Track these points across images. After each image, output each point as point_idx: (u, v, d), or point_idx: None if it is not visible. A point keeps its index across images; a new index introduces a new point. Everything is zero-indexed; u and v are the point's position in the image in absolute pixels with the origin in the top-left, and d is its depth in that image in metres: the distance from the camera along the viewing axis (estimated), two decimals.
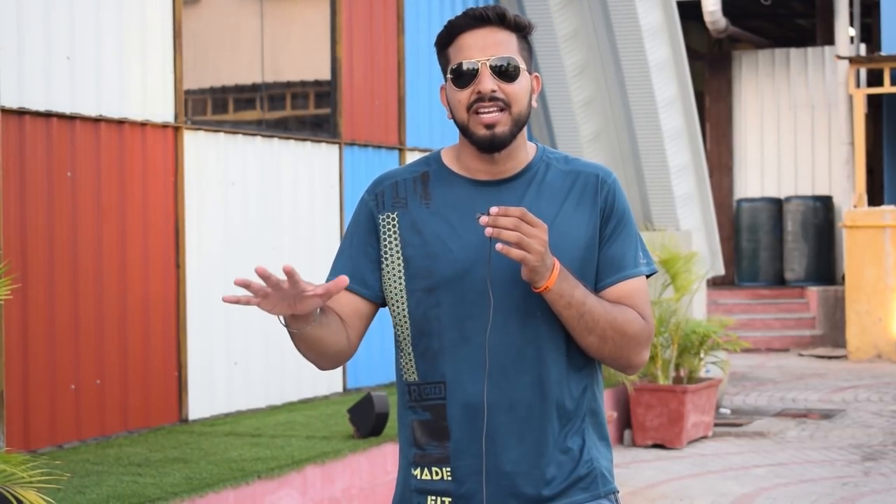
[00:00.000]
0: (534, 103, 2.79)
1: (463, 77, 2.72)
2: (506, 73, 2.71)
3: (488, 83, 2.69)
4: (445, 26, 2.78)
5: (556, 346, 2.74)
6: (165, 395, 7.88)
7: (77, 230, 7.26)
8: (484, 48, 2.71)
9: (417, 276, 2.75)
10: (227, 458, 6.73)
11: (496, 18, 2.73)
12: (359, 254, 2.81)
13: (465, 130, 2.75)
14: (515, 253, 2.57)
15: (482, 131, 2.71)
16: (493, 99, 2.69)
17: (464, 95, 2.72)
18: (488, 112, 2.70)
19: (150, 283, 7.76)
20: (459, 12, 2.80)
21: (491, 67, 2.70)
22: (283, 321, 2.65)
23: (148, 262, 7.75)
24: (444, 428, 2.75)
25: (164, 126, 7.92)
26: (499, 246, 2.57)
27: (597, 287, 2.78)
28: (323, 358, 2.78)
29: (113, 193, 7.51)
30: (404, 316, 2.78)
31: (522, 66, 2.73)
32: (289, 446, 7.09)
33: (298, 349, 2.75)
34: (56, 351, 7.10)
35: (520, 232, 2.56)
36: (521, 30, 2.76)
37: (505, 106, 2.71)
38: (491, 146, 2.72)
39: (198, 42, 8.36)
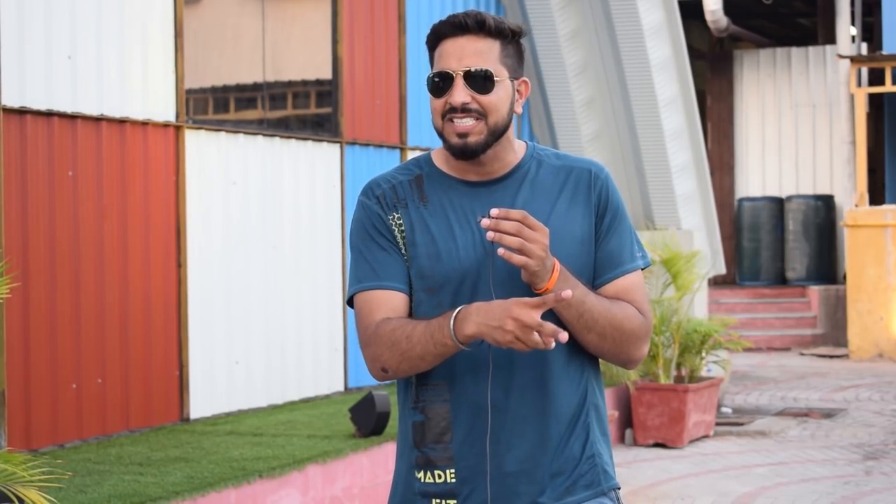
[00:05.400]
0: (517, 109, 2.76)
1: (438, 85, 2.70)
2: (480, 83, 2.68)
3: (460, 95, 2.68)
4: (430, 30, 2.76)
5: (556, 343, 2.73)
6: (167, 394, 7.88)
7: (78, 229, 7.26)
8: (461, 57, 2.69)
9: (419, 277, 2.74)
10: (229, 457, 6.74)
11: (475, 26, 2.69)
12: (387, 257, 2.76)
13: (440, 136, 2.75)
14: (517, 259, 2.57)
15: (454, 139, 2.70)
16: (465, 110, 2.68)
17: (438, 104, 2.71)
18: (461, 121, 2.69)
19: (151, 283, 7.76)
20: (459, 12, 2.77)
21: (465, 78, 2.68)
22: (456, 340, 2.58)
23: (149, 261, 7.75)
24: (446, 429, 2.74)
25: (166, 125, 7.92)
26: (501, 251, 2.57)
27: (595, 283, 2.78)
28: (424, 370, 2.72)
29: (114, 193, 7.51)
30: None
31: (501, 75, 2.70)
32: (290, 445, 7.09)
33: (418, 366, 2.67)
34: (57, 350, 7.10)
35: (521, 237, 2.55)
36: (504, 36, 2.72)
37: (480, 116, 2.69)
38: (462, 154, 2.71)
39: (199, 41, 8.37)
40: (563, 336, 2.50)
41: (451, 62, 2.69)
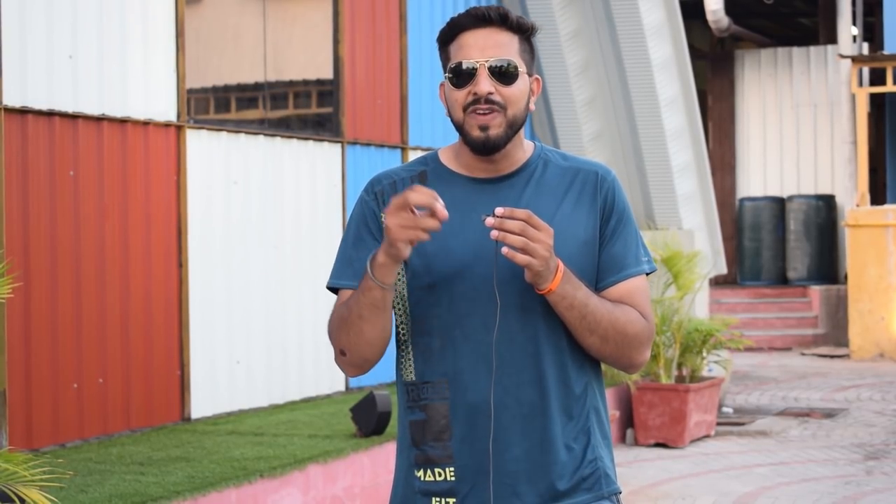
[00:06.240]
0: (531, 106, 2.77)
1: (461, 77, 2.70)
2: (504, 75, 2.69)
3: (485, 85, 2.68)
4: (448, 23, 2.76)
5: (554, 342, 2.72)
6: (168, 393, 7.89)
7: (79, 229, 7.26)
8: (484, 49, 2.69)
9: (417, 274, 2.74)
10: (230, 457, 6.74)
11: (498, 19, 2.71)
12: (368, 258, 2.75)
13: (460, 130, 2.74)
14: (521, 258, 2.56)
15: (476, 132, 2.70)
16: (489, 101, 2.68)
17: (461, 95, 2.70)
18: (483, 114, 2.69)
19: (152, 282, 7.76)
20: (461, 11, 2.78)
21: (489, 69, 2.68)
22: (373, 276, 2.60)
23: (150, 260, 7.75)
24: (445, 427, 2.73)
25: (167, 125, 7.92)
26: (504, 250, 2.56)
27: (598, 286, 2.77)
28: (376, 339, 2.68)
29: (115, 192, 7.52)
30: (405, 314, 2.76)
31: (522, 68, 2.71)
32: (291, 445, 7.09)
33: (361, 328, 2.67)
34: (58, 350, 7.10)
35: (525, 236, 2.55)
36: (524, 31, 2.74)
37: (500, 108, 2.69)
38: (484, 148, 2.71)
39: (200, 41, 8.37)
40: (442, 211, 2.51)
41: (473, 53, 2.70)
